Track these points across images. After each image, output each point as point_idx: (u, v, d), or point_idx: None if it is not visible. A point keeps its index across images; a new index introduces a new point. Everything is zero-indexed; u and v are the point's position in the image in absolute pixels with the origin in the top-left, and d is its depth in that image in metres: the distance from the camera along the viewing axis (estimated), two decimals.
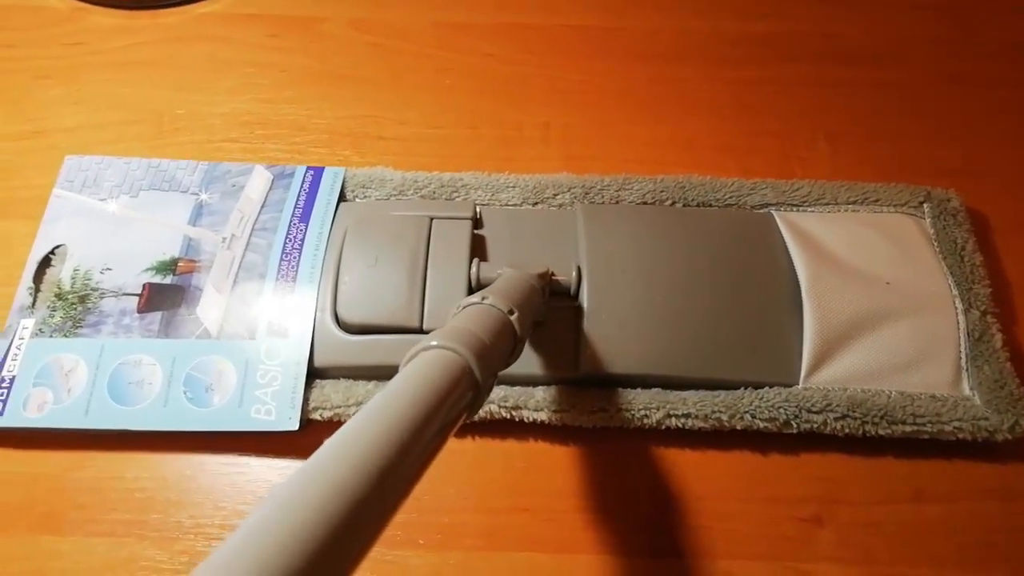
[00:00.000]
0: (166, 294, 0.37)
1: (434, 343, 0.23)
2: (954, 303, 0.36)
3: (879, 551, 0.33)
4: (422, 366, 0.22)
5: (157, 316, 0.36)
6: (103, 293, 0.37)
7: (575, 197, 0.40)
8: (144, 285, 0.37)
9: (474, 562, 0.33)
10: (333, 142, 0.45)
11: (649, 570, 0.33)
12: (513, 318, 0.27)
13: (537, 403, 0.34)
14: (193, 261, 0.38)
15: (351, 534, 0.15)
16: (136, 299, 0.37)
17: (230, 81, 0.47)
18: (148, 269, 0.38)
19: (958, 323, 0.36)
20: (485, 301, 0.27)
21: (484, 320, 0.25)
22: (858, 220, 0.39)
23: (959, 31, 0.50)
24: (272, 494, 0.16)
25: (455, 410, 0.21)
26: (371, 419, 0.19)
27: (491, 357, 0.24)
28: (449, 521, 0.34)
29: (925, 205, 0.40)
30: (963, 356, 0.35)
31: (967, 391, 0.35)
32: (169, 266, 0.38)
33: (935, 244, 0.38)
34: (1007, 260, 0.41)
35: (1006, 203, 0.43)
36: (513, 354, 0.28)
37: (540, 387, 0.35)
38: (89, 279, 0.37)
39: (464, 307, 0.27)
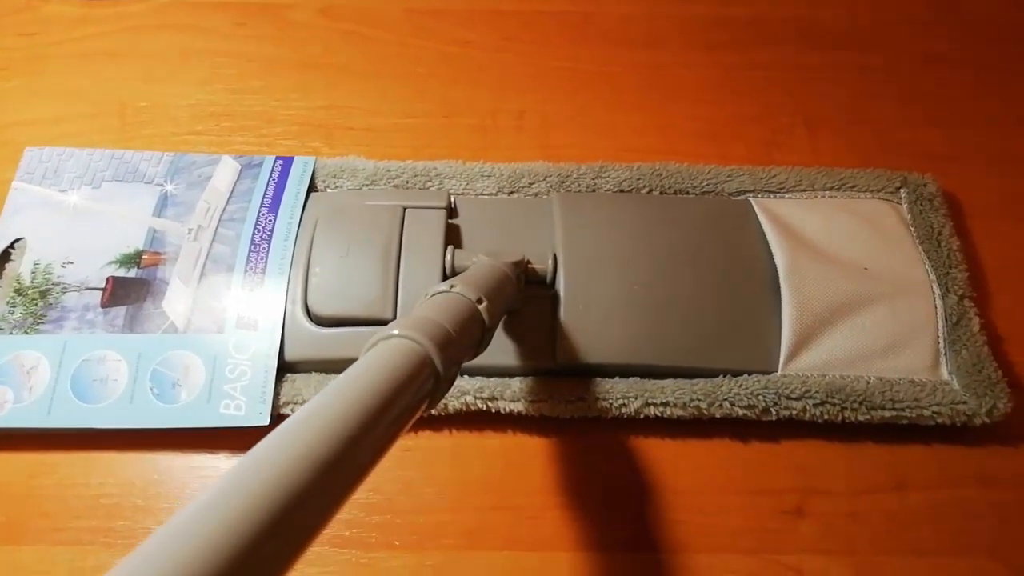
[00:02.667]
0: (130, 288, 0.36)
1: (395, 332, 0.22)
2: (932, 288, 0.36)
3: (861, 541, 0.33)
4: (380, 355, 0.21)
5: (122, 311, 0.35)
6: (65, 288, 0.36)
7: (551, 186, 0.39)
8: (107, 279, 0.36)
9: (454, 563, 0.32)
10: (303, 134, 0.44)
11: (631, 565, 0.32)
12: (482, 307, 0.26)
13: (514, 394, 0.34)
14: (158, 253, 0.37)
15: (287, 528, 0.15)
16: (100, 293, 0.36)
17: (196, 71, 0.46)
18: (112, 262, 0.37)
19: (936, 308, 0.36)
20: (453, 289, 0.26)
21: (450, 309, 0.25)
22: (836, 206, 0.39)
23: (939, 13, 0.50)
24: (209, 485, 0.15)
25: (412, 401, 0.21)
26: (319, 407, 0.18)
27: (455, 347, 0.23)
28: (427, 521, 0.33)
29: (902, 190, 0.40)
30: (941, 341, 0.35)
31: (946, 375, 0.35)
32: (133, 259, 0.37)
33: (912, 229, 0.38)
34: (984, 244, 0.40)
35: (986, 185, 0.43)
36: (482, 344, 0.27)
37: (517, 377, 0.34)
38: (50, 273, 0.36)
39: (431, 295, 0.27)
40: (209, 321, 0.35)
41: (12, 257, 0.37)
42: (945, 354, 0.35)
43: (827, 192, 0.40)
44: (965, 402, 0.33)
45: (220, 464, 0.34)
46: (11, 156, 0.41)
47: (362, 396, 0.19)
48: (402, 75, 0.46)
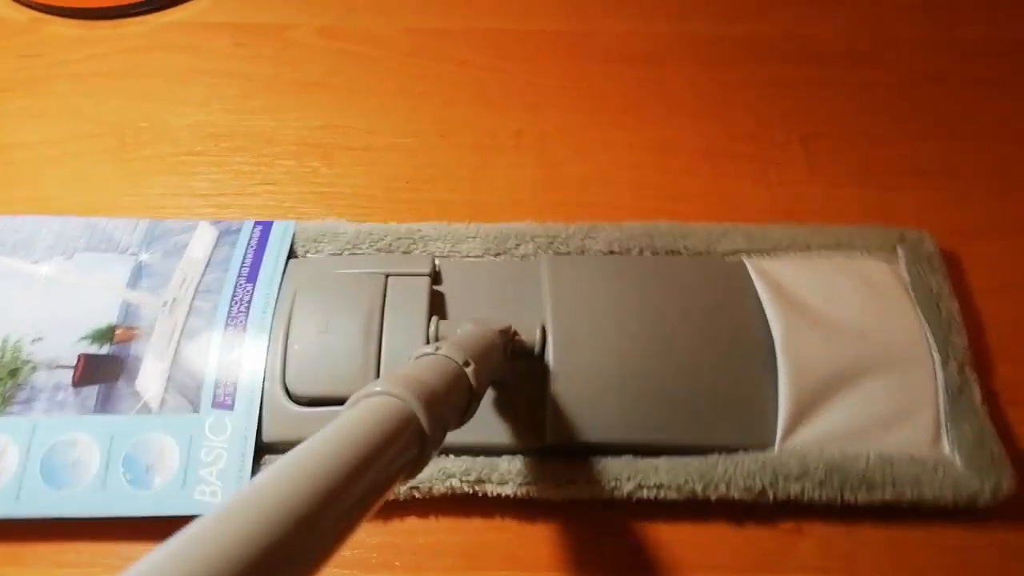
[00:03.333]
0: (103, 366, 0.35)
1: (377, 388, 0.21)
2: (932, 356, 0.34)
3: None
4: (360, 412, 0.20)
5: (94, 390, 0.34)
6: (35, 366, 0.34)
7: (539, 247, 0.38)
8: (79, 357, 0.35)
9: None
10: (301, 153, 0.44)
11: None
12: (469, 370, 0.25)
13: (502, 475, 0.32)
14: (132, 328, 0.36)
15: None
16: (71, 372, 0.34)
17: (195, 92, 0.46)
18: (84, 338, 0.35)
19: (936, 377, 0.34)
20: (439, 351, 0.25)
21: (436, 370, 0.24)
22: (832, 266, 0.38)
23: (935, 31, 0.49)
24: (167, 541, 0.14)
25: (396, 462, 0.20)
26: (292, 464, 0.17)
27: (442, 409, 0.22)
28: (426, 542, 0.33)
29: (899, 248, 0.38)
30: (942, 413, 0.34)
31: (947, 450, 0.33)
32: (106, 334, 0.35)
33: (910, 291, 0.37)
34: (985, 302, 0.39)
35: (982, 204, 0.43)
36: (468, 411, 0.26)
37: (505, 457, 0.33)
38: (19, 350, 0.35)
39: (416, 357, 0.26)
40: (184, 400, 0.33)
41: None
42: (946, 427, 0.33)
43: (823, 251, 0.38)
44: (968, 482, 0.32)
45: None
46: (13, 177, 0.41)
47: (340, 454, 0.17)
48: (400, 94, 0.46)
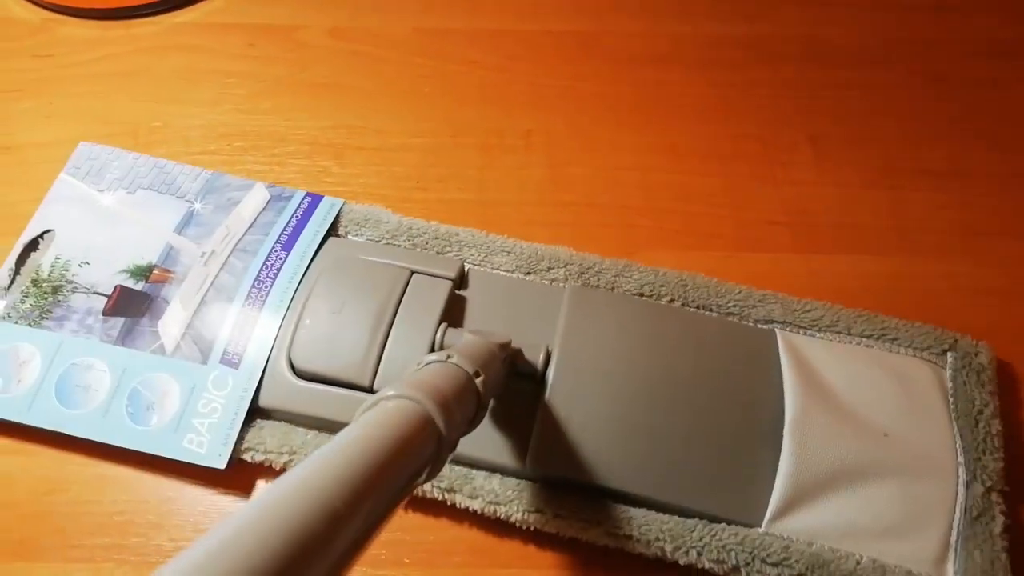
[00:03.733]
0: (134, 301, 0.37)
1: (393, 392, 0.21)
2: (957, 472, 0.32)
3: None
4: (381, 415, 0.20)
5: (120, 322, 0.36)
6: (76, 287, 0.37)
7: (570, 274, 0.38)
8: (116, 287, 0.37)
9: None
10: (313, 153, 0.44)
11: None
12: (478, 381, 0.26)
13: (474, 490, 0.32)
14: (168, 271, 0.37)
15: None
16: (105, 300, 0.37)
17: (207, 92, 0.46)
18: (123, 271, 0.38)
19: (956, 495, 0.32)
20: (450, 360, 0.26)
21: (448, 378, 0.24)
22: (868, 357, 0.36)
23: (941, 32, 0.50)
24: (197, 543, 0.14)
25: (416, 462, 0.20)
26: (321, 464, 0.17)
27: (455, 414, 0.23)
28: (436, 539, 0.33)
29: (948, 354, 0.36)
30: (954, 533, 0.31)
31: (951, 574, 0.31)
32: (144, 272, 0.38)
33: (951, 400, 0.34)
34: None
35: (992, 207, 0.43)
36: (475, 419, 0.26)
37: (482, 472, 0.33)
38: (67, 270, 0.37)
39: (426, 364, 0.26)
40: (196, 350, 0.35)
41: (39, 247, 0.38)
42: (955, 550, 0.31)
43: (864, 339, 0.36)
44: None
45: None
46: (26, 177, 0.42)
47: (365, 454, 0.18)
48: (409, 95, 0.47)
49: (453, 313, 0.36)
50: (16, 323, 0.36)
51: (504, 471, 0.33)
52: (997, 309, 0.39)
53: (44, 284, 0.37)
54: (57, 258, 0.38)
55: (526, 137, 0.45)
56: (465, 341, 0.30)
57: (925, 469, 0.32)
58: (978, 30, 0.50)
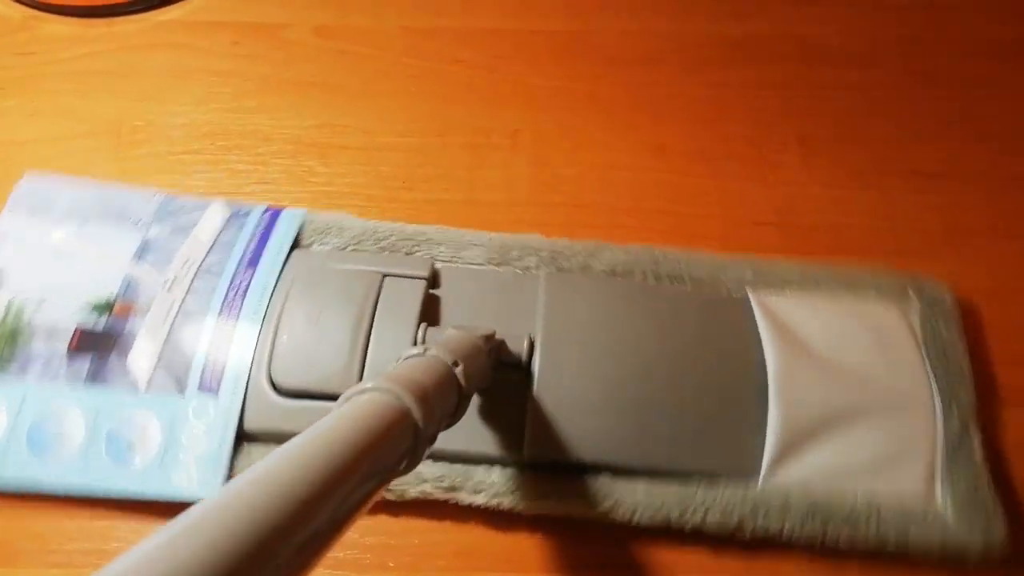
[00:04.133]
0: (98, 338, 0.35)
1: (369, 386, 0.21)
2: (934, 406, 0.34)
3: None
4: (353, 407, 0.20)
5: (86, 362, 0.34)
6: (34, 331, 0.35)
7: (542, 261, 0.38)
8: (76, 328, 0.35)
9: None
10: (298, 152, 0.44)
11: None
12: (458, 370, 0.25)
13: (476, 485, 0.32)
14: (130, 303, 0.36)
15: None
16: (67, 341, 0.35)
17: (191, 91, 0.46)
18: (83, 307, 0.36)
19: (936, 429, 0.33)
20: (428, 353, 0.25)
21: (426, 370, 0.24)
22: (839, 307, 0.37)
23: (931, 31, 0.49)
24: (157, 532, 0.14)
25: (391, 454, 0.20)
26: (289, 454, 0.17)
27: (434, 406, 0.22)
28: (421, 542, 0.33)
29: (914, 297, 0.37)
30: (938, 464, 0.33)
31: (939, 502, 0.33)
32: (106, 307, 0.36)
33: (920, 340, 0.36)
34: (1000, 362, 0.38)
35: (981, 206, 0.43)
36: (458, 411, 0.26)
37: (481, 466, 0.33)
38: (22, 314, 0.35)
39: (405, 358, 0.26)
40: (171, 381, 0.34)
41: None
42: (941, 479, 0.33)
43: (833, 290, 0.38)
44: (958, 537, 0.31)
45: None
46: (7, 175, 0.41)
47: (334, 445, 0.18)
48: (396, 94, 0.46)
49: (430, 312, 0.36)
50: None
51: (503, 462, 0.33)
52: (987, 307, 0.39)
53: (0, 330, 0.35)
54: (10, 302, 0.36)
55: (514, 137, 0.45)
56: (446, 335, 0.30)
57: (905, 407, 0.34)
58: (969, 30, 0.49)
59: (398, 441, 0.20)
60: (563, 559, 0.33)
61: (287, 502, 0.15)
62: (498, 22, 0.49)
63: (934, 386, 0.34)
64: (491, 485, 0.32)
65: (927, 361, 0.35)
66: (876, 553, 0.32)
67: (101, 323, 0.35)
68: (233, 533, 0.14)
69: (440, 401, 0.23)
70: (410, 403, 0.21)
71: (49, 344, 0.35)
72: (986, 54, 0.49)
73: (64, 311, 0.36)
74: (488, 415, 0.33)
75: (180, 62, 0.47)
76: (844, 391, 0.34)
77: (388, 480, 0.20)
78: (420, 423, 0.21)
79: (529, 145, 0.44)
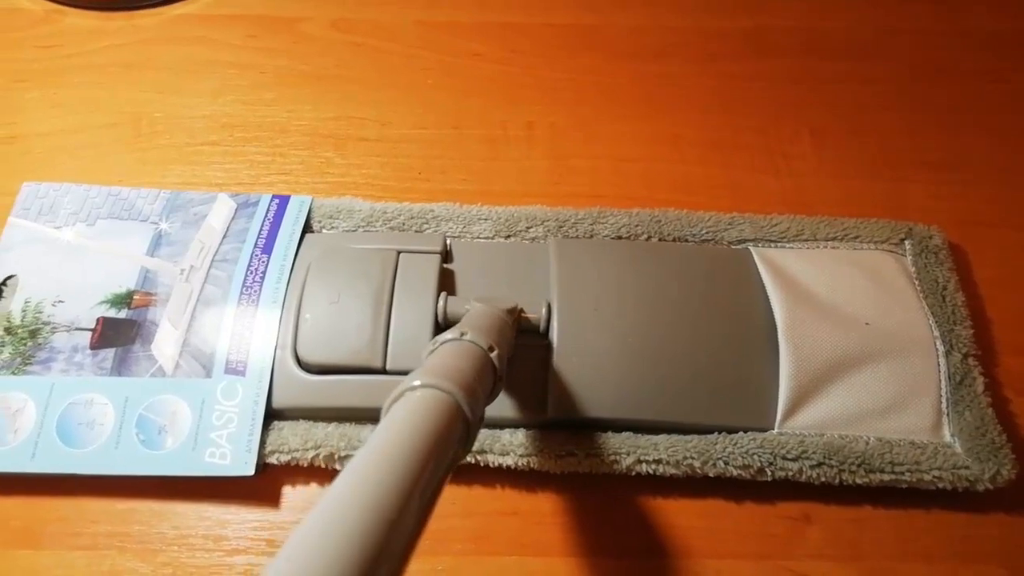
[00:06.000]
0: (120, 329, 0.35)
1: (418, 382, 0.22)
2: (935, 345, 0.35)
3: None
4: (411, 409, 0.21)
5: (110, 353, 0.35)
6: (55, 328, 0.35)
7: (548, 230, 0.39)
8: (97, 320, 0.36)
9: (464, 567, 0.32)
10: (315, 144, 0.44)
11: (637, 570, 0.33)
12: (493, 355, 0.26)
13: (503, 447, 0.33)
14: (150, 294, 0.36)
15: None
16: (89, 334, 0.35)
17: (209, 83, 0.46)
18: (102, 302, 0.36)
19: (939, 367, 0.35)
20: (464, 337, 0.26)
21: (466, 356, 0.24)
22: (838, 257, 0.38)
23: (943, 23, 0.49)
24: (279, 557, 0.15)
25: (451, 450, 0.21)
26: (365, 468, 0.18)
27: (479, 394, 0.23)
28: (437, 527, 0.33)
29: (906, 242, 0.39)
30: (944, 401, 0.34)
31: (948, 437, 0.34)
32: (124, 299, 0.36)
33: (916, 283, 0.37)
34: (992, 297, 0.39)
35: (990, 197, 0.43)
36: (493, 392, 0.26)
37: (507, 430, 0.33)
38: (40, 312, 0.36)
39: (443, 343, 0.26)
40: (197, 365, 0.34)
41: (3, 294, 0.36)
42: (948, 415, 0.34)
43: (829, 242, 0.39)
44: (968, 467, 0.32)
45: None
46: (29, 166, 0.42)
47: (405, 453, 0.18)
48: (412, 87, 0.47)
49: (446, 285, 0.36)
50: None
51: (527, 424, 0.34)
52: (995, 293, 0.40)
53: (19, 330, 0.35)
54: (27, 302, 0.36)
55: (528, 129, 0.45)
56: (475, 312, 0.30)
57: (907, 349, 0.35)
58: (978, 22, 0.50)
59: (454, 435, 0.21)
60: (577, 541, 0.33)
61: (381, 525, 0.16)
62: (513, 16, 0.49)
63: (933, 325, 0.36)
64: (519, 446, 0.33)
65: (923, 301, 0.37)
66: (889, 490, 0.33)
67: (121, 315, 0.36)
68: (362, 533, 0.15)
69: (481, 387, 0.24)
70: (460, 397, 0.21)
71: (71, 338, 0.35)
72: (995, 47, 0.49)
73: (83, 306, 0.36)
74: (511, 380, 0.34)
75: (198, 55, 0.48)
76: (850, 337, 0.35)
77: (452, 468, 0.21)
78: (469, 415, 0.22)
79: (544, 137, 0.45)
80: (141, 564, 0.32)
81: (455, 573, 0.32)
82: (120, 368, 0.34)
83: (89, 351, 0.35)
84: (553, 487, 0.34)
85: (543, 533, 0.33)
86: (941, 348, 0.35)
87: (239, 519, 0.33)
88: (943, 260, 0.38)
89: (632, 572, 0.33)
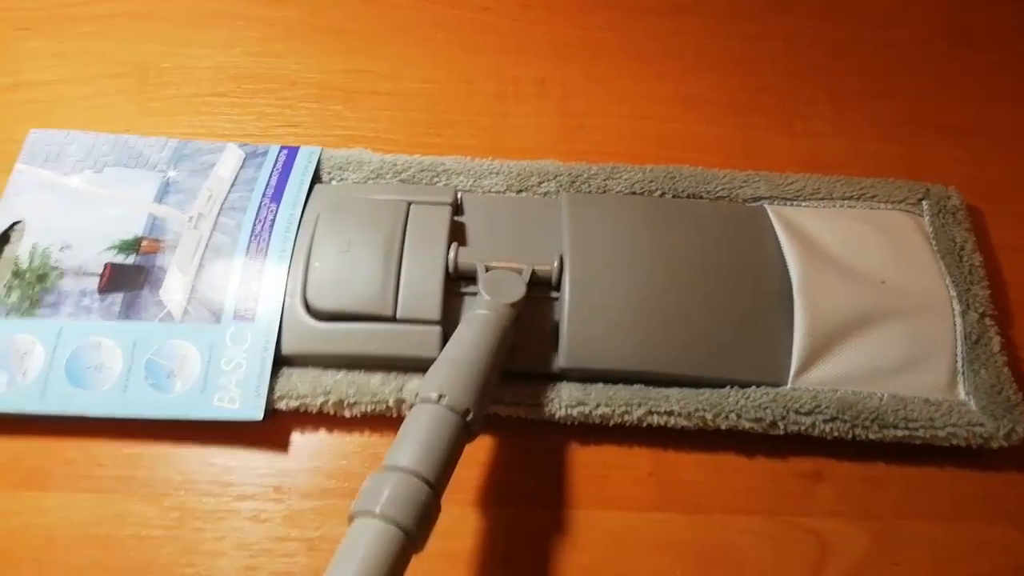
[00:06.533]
0: (128, 275, 0.35)
1: (373, 510, 0.23)
2: (951, 304, 0.35)
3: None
4: (361, 550, 0.22)
5: (118, 297, 0.34)
6: (62, 272, 0.35)
7: (561, 185, 0.38)
8: (105, 265, 0.35)
9: (468, 516, 0.32)
10: (324, 96, 0.44)
11: (646, 523, 0.32)
12: (469, 419, 0.27)
13: (513, 397, 0.33)
14: (158, 241, 0.36)
15: None
16: (97, 279, 0.35)
17: (217, 34, 0.46)
18: (110, 248, 0.36)
19: (955, 325, 0.34)
20: (442, 401, 0.27)
21: (436, 437, 0.26)
22: (854, 216, 0.38)
23: None
24: None
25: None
26: None
27: (440, 485, 0.25)
28: None
29: (924, 202, 0.38)
30: (959, 359, 0.34)
31: (963, 396, 0.33)
32: (132, 245, 0.36)
33: (933, 243, 0.37)
34: (1008, 259, 0.39)
35: (1008, 161, 0.42)
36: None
37: (519, 382, 0.33)
38: (48, 257, 0.35)
39: (420, 402, 0.27)
40: (206, 311, 0.34)
41: (11, 239, 0.36)
42: (963, 373, 0.34)
43: (845, 201, 0.38)
44: (982, 424, 0.32)
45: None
46: (34, 115, 0.41)
47: None
48: (422, 41, 0.46)
49: (457, 237, 0.36)
50: (6, 317, 0.34)
51: (537, 376, 0.33)
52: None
53: (27, 274, 0.35)
54: (34, 246, 0.36)
55: (540, 85, 0.44)
56: (445, 373, 0.29)
57: (923, 307, 0.35)
58: None
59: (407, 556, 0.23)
60: (583, 493, 0.33)
61: None
62: None
63: (949, 284, 0.35)
64: (529, 396, 0.33)
65: (940, 261, 0.36)
66: (902, 449, 0.33)
67: (130, 261, 0.35)
68: None
69: (448, 467, 0.26)
70: (411, 527, 0.23)
71: (79, 283, 0.35)
72: (1017, 12, 0.48)
73: (90, 252, 0.36)
74: (521, 333, 0.33)
75: (206, 6, 0.47)
76: (865, 294, 0.34)
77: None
78: (420, 537, 0.24)
79: (556, 94, 0.44)
80: (148, 508, 0.32)
81: (460, 523, 0.32)
82: (128, 312, 0.34)
83: (97, 295, 0.34)
84: (561, 438, 0.34)
85: (549, 485, 0.33)
86: (957, 307, 0.35)
87: (246, 465, 0.33)
88: (960, 221, 0.38)
89: (640, 525, 0.32)
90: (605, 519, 0.32)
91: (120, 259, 0.36)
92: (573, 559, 0.31)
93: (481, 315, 0.31)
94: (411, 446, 0.25)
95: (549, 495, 0.33)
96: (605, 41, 0.46)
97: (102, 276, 0.35)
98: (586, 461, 0.34)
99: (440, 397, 0.27)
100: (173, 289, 0.35)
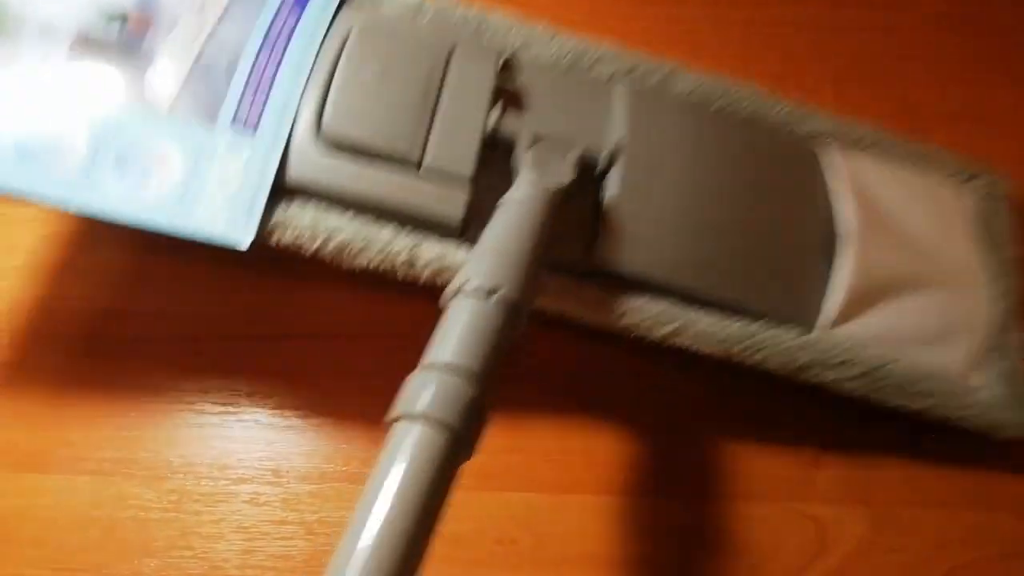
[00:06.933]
0: (108, 47, 0.29)
1: (419, 411, 0.21)
2: (985, 289, 0.35)
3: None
4: (405, 454, 0.20)
5: (92, 67, 0.29)
6: (23, 21, 0.29)
7: (616, 72, 0.35)
8: (78, 28, 0.29)
9: (471, 502, 0.31)
10: None
11: (647, 509, 0.32)
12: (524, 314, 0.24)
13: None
14: (148, 17, 0.30)
15: None
16: (67, 40, 0.29)
17: None
18: (90, 10, 0.30)
19: (987, 310, 0.34)
20: (491, 297, 0.23)
21: (481, 335, 0.23)
22: (907, 177, 0.37)
23: None
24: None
25: (451, 485, 0.21)
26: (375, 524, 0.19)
27: (488, 391, 0.22)
28: None
29: (974, 182, 0.38)
30: (984, 344, 0.34)
31: (981, 381, 0.33)
32: (116, 18, 0.30)
33: (974, 225, 0.37)
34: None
35: (1013, 149, 0.43)
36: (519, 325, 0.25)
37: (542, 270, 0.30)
38: (6, 2, 0.29)
39: (457, 293, 0.24)
40: (200, 108, 0.28)
41: None
42: (985, 358, 0.34)
43: (900, 161, 0.38)
44: (998, 413, 0.32)
45: (242, 402, 0.33)
46: None
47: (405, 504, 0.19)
48: None
49: (499, 97, 0.32)
50: None
51: (565, 268, 0.30)
52: None
53: None
54: None
55: None
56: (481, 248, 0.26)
57: (959, 284, 0.34)
58: None
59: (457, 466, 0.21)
60: (587, 479, 0.32)
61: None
62: None
63: (984, 270, 0.35)
64: (553, 288, 0.30)
65: (981, 244, 0.36)
66: (904, 436, 0.33)
67: (113, 31, 0.29)
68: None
69: (495, 365, 0.23)
70: (462, 429, 0.21)
71: (43, 40, 0.28)
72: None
73: (63, 6, 0.29)
74: (557, 220, 0.30)
75: None
76: (911, 260, 0.34)
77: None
78: (472, 434, 0.21)
79: None
80: (146, 490, 0.31)
81: (463, 507, 0.29)
82: (102, 88, 0.28)
83: (66, 59, 0.28)
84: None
85: (551, 471, 0.33)
86: (990, 294, 0.35)
87: (245, 449, 0.32)
88: (1002, 210, 0.38)
89: (640, 510, 0.32)
90: (602, 504, 0.32)
91: (101, 26, 0.29)
92: (573, 546, 0.31)
93: (527, 199, 0.27)
94: (456, 344, 0.22)
95: (542, 478, 0.32)
96: (605, 28, 0.44)
97: (76, 38, 0.29)
98: (584, 449, 0.33)
99: (491, 291, 0.23)
100: (163, 74, 0.29)
